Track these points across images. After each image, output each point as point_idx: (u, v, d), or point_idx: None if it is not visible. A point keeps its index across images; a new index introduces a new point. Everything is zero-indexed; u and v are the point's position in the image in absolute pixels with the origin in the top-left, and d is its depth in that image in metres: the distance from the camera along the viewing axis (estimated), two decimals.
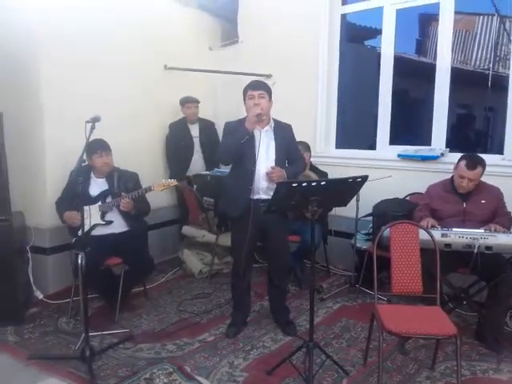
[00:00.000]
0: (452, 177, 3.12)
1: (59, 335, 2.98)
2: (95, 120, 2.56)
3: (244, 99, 2.88)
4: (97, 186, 3.31)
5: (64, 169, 3.34)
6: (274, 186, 2.62)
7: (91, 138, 2.59)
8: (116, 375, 2.50)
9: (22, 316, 3.16)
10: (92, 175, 3.33)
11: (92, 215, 3.19)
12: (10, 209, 3.07)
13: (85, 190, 3.21)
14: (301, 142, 3.76)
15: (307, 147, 3.88)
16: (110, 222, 3.27)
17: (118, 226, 3.30)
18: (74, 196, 3.11)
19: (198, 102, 4.49)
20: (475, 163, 2.93)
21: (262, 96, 2.80)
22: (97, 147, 3.22)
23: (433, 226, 2.88)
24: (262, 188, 2.85)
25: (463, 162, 2.96)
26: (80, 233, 2.74)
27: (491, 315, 2.86)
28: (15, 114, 3.43)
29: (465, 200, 3.03)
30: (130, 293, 3.42)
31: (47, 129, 3.47)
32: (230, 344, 2.88)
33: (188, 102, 4.44)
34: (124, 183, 3.34)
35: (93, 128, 2.56)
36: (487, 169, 3.04)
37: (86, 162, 2.62)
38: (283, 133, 2.94)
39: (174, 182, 3.21)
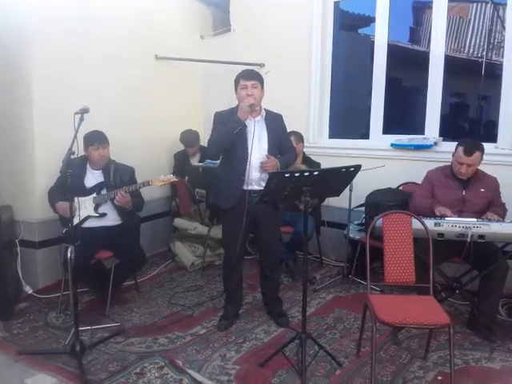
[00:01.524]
0: (452, 163, 3.08)
1: (49, 330, 2.94)
2: (84, 111, 2.51)
3: (236, 88, 2.83)
4: (93, 177, 3.26)
5: (54, 161, 3.26)
6: (267, 176, 2.59)
7: (84, 130, 2.54)
8: (106, 370, 2.48)
9: (11, 311, 3.12)
10: (88, 166, 3.28)
11: (85, 207, 3.16)
12: None
13: (80, 181, 3.18)
14: (294, 132, 3.73)
15: (300, 138, 3.85)
16: (103, 215, 3.22)
17: (111, 219, 3.26)
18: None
19: (194, 144, 4.41)
20: (472, 148, 2.90)
21: (254, 86, 2.76)
22: (94, 139, 3.17)
23: (444, 215, 2.82)
24: (255, 179, 2.81)
25: (461, 148, 2.93)
26: (71, 225, 2.70)
27: (484, 304, 2.86)
28: (3, 106, 3.36)
29: (464, 187, 3.01)
30: (121, 286, 3.39)
31: (36, 120, 3.40)
32: (222, 337, 2.86)
33: (187, 145, 4.41)
34: (120, 176, 3.29)
35: (81, 119, 2.51)
36: None
37: (76, 154, 2.56)
38: (275, 123, 2.90)
39: (173, 177, 3.16)
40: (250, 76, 2.79)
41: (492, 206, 2.98)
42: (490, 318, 2.87)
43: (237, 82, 2.82)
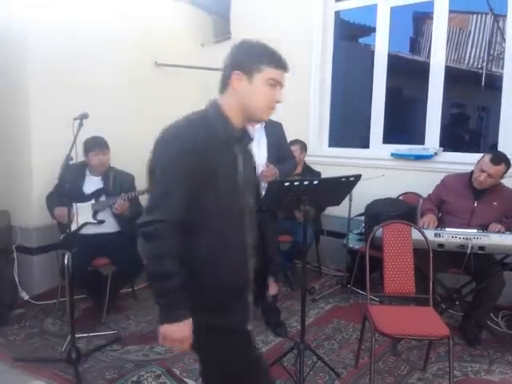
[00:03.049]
0: (471, 172, 3.03)
1: (45, 337, 2.92)
2: (83, 117, 2.51)
3: None
4: (92, 183, 3.25)
5: (51, 166, 3.25)
6: (266, 185, 2.57)
7: (81, 136, 2.53)
8: (103, 378, 2.46)
9: (7, 317, 3.10)
10: (87, 172, 3.27)
11: (83, 213, 3.14)
12: None
13: (79, 187, 3.17)
14: (299, 140, 3.75)
15: (304, 146, 3.87)
16: (101, 222, 3.20)
17: (109, 226, 3.24)
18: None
19: None
20: (500, 159, 2.85)
21: None
22: (94, 145, 3.17)
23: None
24: None
25: (488, 156, 2.87)
26: (68, 231, 2.69)
27: (476, 312, 2.86)
28: (0, 110, 3.36)
29: (477, 198, 2.96)
30: (118, 294, 3.37)
31: (34, 125, 3.39)
32: None
33: None
34: (120, 183, 3.29)
35: (81, 125, 2.50)
36: None
37: (74, 160, 2.55)
38: (274, 131, 2.89)
39: None
40: None
41: (508, 217, 2.94)
42: (480, 326, 2.87)
43: None
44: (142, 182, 3.38)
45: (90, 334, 2.88)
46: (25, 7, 3.31)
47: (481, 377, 2.52)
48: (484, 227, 2.86)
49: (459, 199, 3.00)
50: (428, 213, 2.98)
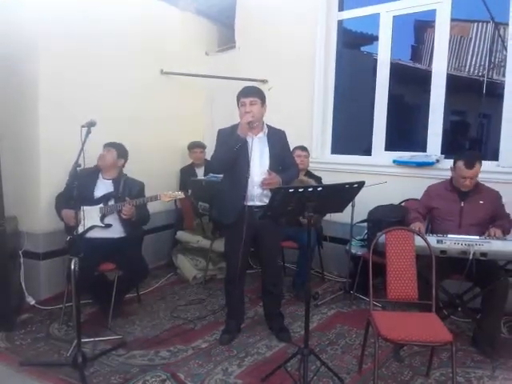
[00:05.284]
0: (451, 177, 3.12)
1: (51, 341, 2.94)
2: (91, 124, 2.55)
3: (238, 105, 2.86)
4: (103, 187, 3.31)
5: (59, 172, 3.31)
6: (269, 192, 2.60)
7: (89, 141, 2.57)
8: (108, 382, 2.47)
9: (13, 322, 3.12)
10: (100, 176, 3.33)
11: (92, 216, 3.18)
12: (3, 213, 3.04)
13: (89, 190, 3.23)
14: (304, 146, 3.78)
15: (308, 153, 3.90)
16: (108, 226, 3.24)
17: (116, 231, 3.28)
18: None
19: (203, 147, 4.62)
20: (473, 161, 2.92)
21: (253, 103, 2.76)
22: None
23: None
24: (257, 195, 2.82)
25: (461, 163, 2.93)
26: (75, 233, 2.74)
27: (486, 322, 2.86)
28: (9, 117, 3.41)
29: (463, 199, 3.04)
30: (124, 299, 3.39)
31: (42, 132, 3.44)
32: (223, 351, 2.85)
33: (193, 147, 4.62)
34: (129, 188, 3.33)
35: (88, 132, 2.54)
36: (482, 175, 3.05)
37: (81, 167, 2.58)
38: (277, 139, 2.92)
39: (181, 194, 3.20)
40: (249, 93, 2.80)
41: (498, 220, 2.99)
42: (493, 336, 2.86)
43: (238, 99, 2.84)
44: (149, 189, 3.43)
45: (96, 339, 2.90)
46: (35, 23, 3.37)
47: (484, 382, 2.53)
48: (474, 226, 2.93)
49: (446, 203, 3.08)
50: (415, 221, 3.02)
